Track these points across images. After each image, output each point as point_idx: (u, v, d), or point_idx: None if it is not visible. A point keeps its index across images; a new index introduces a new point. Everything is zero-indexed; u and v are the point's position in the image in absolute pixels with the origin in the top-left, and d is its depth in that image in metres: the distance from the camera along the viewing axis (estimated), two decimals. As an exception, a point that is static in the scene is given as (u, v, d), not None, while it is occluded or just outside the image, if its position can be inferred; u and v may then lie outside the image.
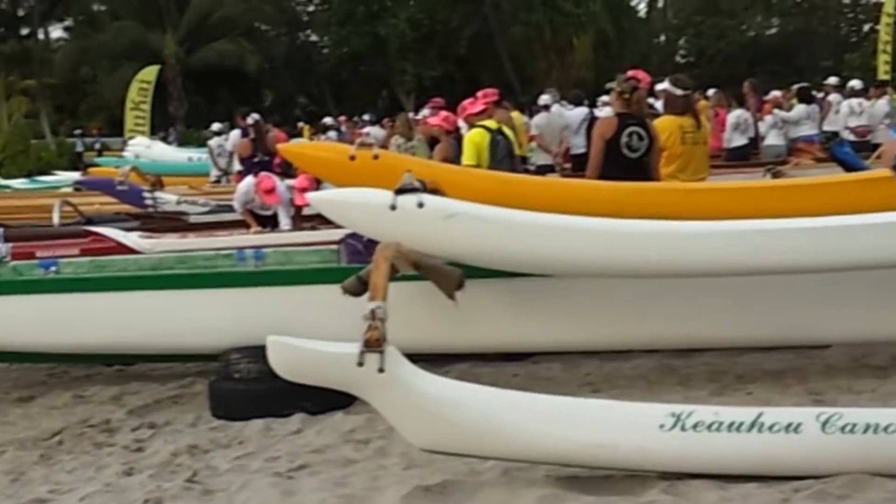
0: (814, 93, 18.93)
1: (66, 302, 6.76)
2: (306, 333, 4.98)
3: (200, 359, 7.09)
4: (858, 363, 6.93)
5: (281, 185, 11.38)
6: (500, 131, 9.51)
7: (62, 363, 7.75)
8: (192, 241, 9.72)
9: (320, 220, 9.41)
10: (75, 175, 21.68)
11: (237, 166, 16.17)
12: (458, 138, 10.72)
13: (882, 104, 18.31)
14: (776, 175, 9.60)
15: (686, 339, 6.73)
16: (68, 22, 59.94)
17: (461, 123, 11.06)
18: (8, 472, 5.67)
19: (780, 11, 51.78)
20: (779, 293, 6.38)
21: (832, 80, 21.15)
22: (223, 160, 19.57)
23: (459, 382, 5.09)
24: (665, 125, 8.66)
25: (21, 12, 57.56)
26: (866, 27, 48.92)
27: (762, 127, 17.31)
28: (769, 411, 4.71)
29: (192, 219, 12.64)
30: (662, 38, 53.54)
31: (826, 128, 18.27)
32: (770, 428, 4.56)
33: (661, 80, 9.17)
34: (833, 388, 6.34)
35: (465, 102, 10.42)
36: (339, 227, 7.18)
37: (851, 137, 17.12)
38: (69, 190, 17.41)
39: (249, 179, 11.49)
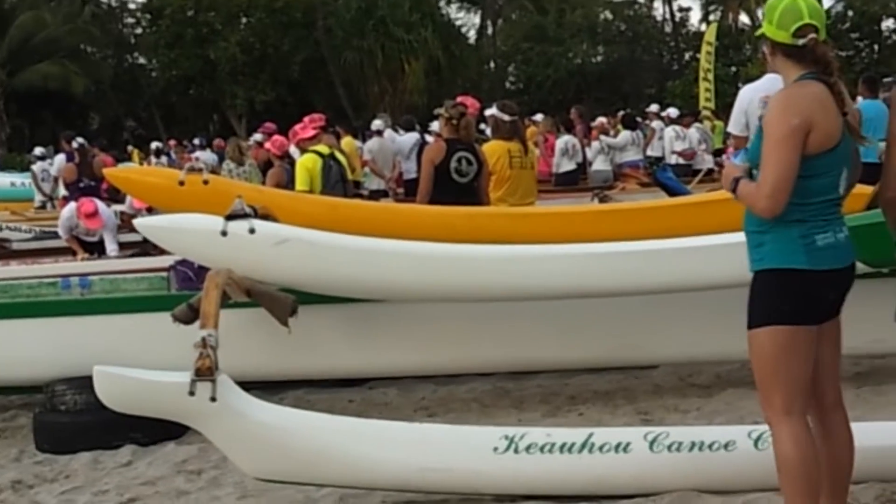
0: (638, 119, 19.46)
1: None
2: (135, 363, 4.89)
3: (24, 391, 6.89)
4: (685, 382, 7.13)
5: (105, 209, 11.13)
6: (332, 156, 9.51)
7: None
8: (15, 269, 9.42)
9: (151, 246, 9.24)
10: None
11: (62, 191, 15.76)
12: (292, 163, 10.67)
13: (693, 132, 18.89)
14: (603, 199, 9.84)
15: (519, 362, 6.82)
16: None
17: (293, 148, 11.01)
18: None
19: (604, 40, 53.04)
20: (608, 315, 6.51)
21: (653, 107, 21.80)
22: (47, 185, 19.05)
23: (293, 410, 5.06)
24: (493, 150, 8.78)
25: None
26: (687, 55, 50.55)
27: (589, 152, 17.72)
28: (599, 432, 4.81)
29: (16, 245, 12.27)
30: (492, 64, 54.29)
31: (650, 153, 18.80)
32: (600, 448, 4.66)
33: (491, 106, 9.29)
34: (661, 407, 6.51)
35: (297, 127, 10.37)
36: (169, 253, 7.06)
37: (679, 161, 17.62)
38: None
39: (72, 205, 11.23)
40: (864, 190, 7.14)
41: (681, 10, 54.94)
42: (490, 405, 6.82)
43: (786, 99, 3.80)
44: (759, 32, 4.00)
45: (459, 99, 9.19)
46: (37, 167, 19.71)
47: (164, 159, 23.12)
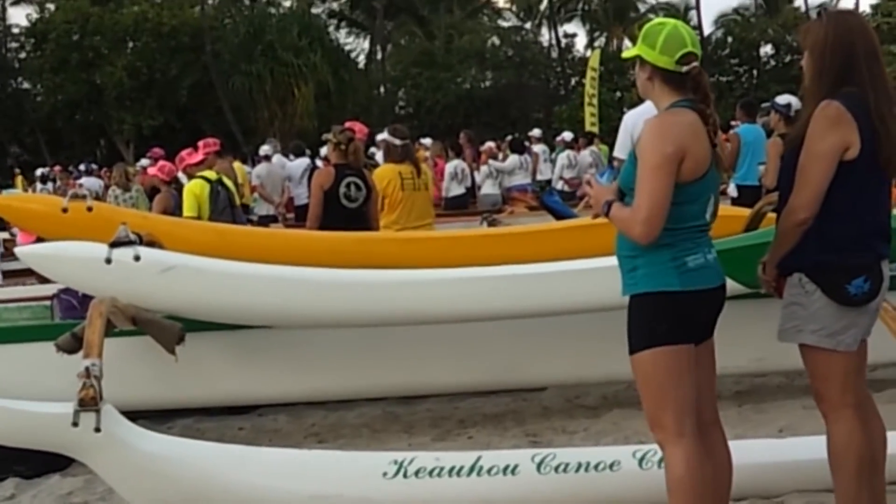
0: (525, 143, 19.68)
1: None
2: (18, 394, 4.81)
3: None
4: (572, 404, 7.23)
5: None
6: (220, 182, 9.46)
7: None
8: None
9: (34, 275, 9.06)
10: None
11: (-58, 219, 15.35)
12: (179, 189, 10.57)
13: (585, 154, 19.24)
14: (492, 223, 9.95)
15: (408, 387, 6.85)
16: None
17: (180, 174, 10.91)
18: None
19: (493, 65, 53.54)
20: (496, 338, 6.58)
21: (536, 131, 22.08)
22: (-74, 213, 18.54)
23: (181, 439, 5.02)
24: (384, 173, 8.83)
25: None
26: (573, 80, 51.27)
27: (478, 176, 17.85)
28: (487, 454, 4.85)
29: None
30: (382, 89, 54.43)
31: (539, 178, 19.02)
32: (489, 471, 4.70)
33: (382, 131, 9.34)
34: (549, 429, 6.59)
35: (184, 153, 10.29)
36: (51, 282, 6.94)
37: (564, 188, 17.87)
38: None
39: (-45, 234, 10.97)
40: (741, 212, 7.37)
41: (566, 35, 55.82)
42: (380, 430, 6.84)
43: (660, 126, 3.86)
44: (631, 54, 4.03)
45: (348, 124, 9.22)
46: (-85, 195, 19.19)
47: (49, 185, 22.68)
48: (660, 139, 3.79)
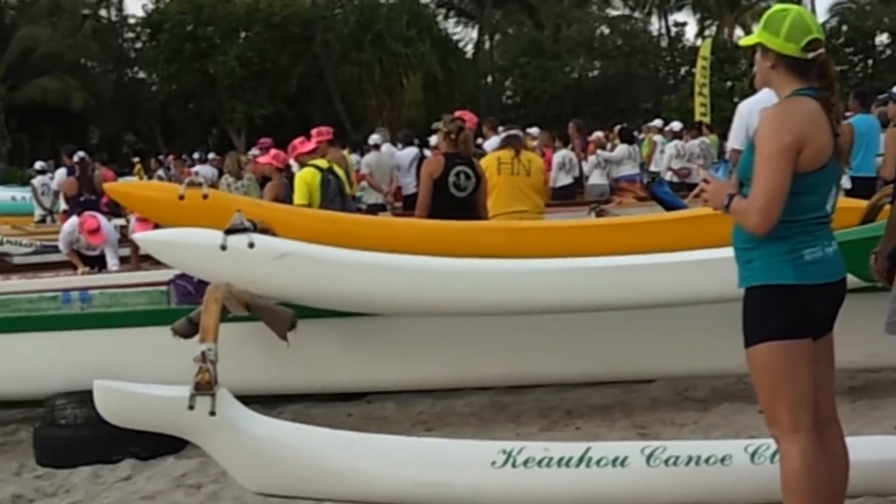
0: (634, 133, 19.51)
1: None
2: (135, 377, 4.91)
3: (24, 405, 6.91)
4: (681, 396, 7.17)
5: (107, 224, 11.16)
6: (330, 170, 9.53)
7: None
8: (16, 283, 9.44)
9: (154, 260, 9.28)
10: None
11: (62, 206, 15.76)
12: (290, 177, 10.70)
13: (694, 144, 19.02)
14: (600, 214, 9.90)
15: (516, 376, 6.85)
16: None
17: (292, 162, 11.04)
18: None
19: (601, 54, 53.23)
20: (605, 329, 6.55)
21: (655, 122, 21.84)
22: (47, 199, 19.06)
23: (292, 424, 5.08)
24: (485, 161, 8.89)
25: None
26: (683, 70, 50.69)
27: (586, 167, 17.75)
28: (596, 446, 4.83)
29: (16, 260, 12.30)
30: (489, 78, 54.40)
31: (653, 168, 18.87)
32: (598, 462, 4.68)
33: (489, 120, 9.40)
34: (657, 421, 6.54)
35: (296, 141, 10.40)
36: (169, 267, 7.09)
37: (673, 178, 17.69)
38: None
39: (74, 219, 11.24)
40: (858, 204, 7.22)
41: (676, 24, 55.22)
42: (488, 419, 6.85)
43: (779, 115, 3.79)
44: (751, 41, 3.96)
45: (457, 113, 9.26)
46: (37, 181, 19.70)
47: (162, 173, 23.14)
48: (778, 128, 3.72)
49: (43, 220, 18.58)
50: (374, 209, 15.46)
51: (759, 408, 4.06)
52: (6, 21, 51.12)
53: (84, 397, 5.73)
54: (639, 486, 4.69)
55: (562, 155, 17.01)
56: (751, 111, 7.49)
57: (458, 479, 4.74)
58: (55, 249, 11.80)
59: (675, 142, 19.13)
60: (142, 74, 55.23)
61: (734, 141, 7.83)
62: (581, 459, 4.69)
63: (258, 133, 32.54)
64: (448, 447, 5.03)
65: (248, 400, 4.90)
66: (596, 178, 17.39)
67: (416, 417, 6.98)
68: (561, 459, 4.70)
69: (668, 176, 18.01)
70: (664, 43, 55.39)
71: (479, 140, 14.38)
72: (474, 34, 56.76)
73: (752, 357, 3.83)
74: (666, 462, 4.68)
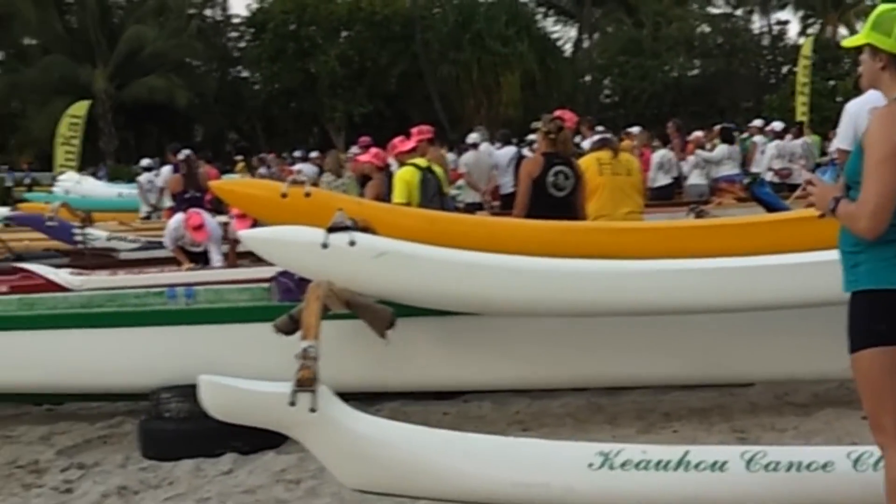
0: (735, 133, 19.27)
1: (-6, 340, 6.69)
2: (237, 372, 4.98)
3: (130, 398, 7.06)
4: (781, 401, 7.08)
5: (211, 221, 11.34)
6: (429, 169, 9.58)
7: (-11, 402, 7.65)
8: (123, 279, 9.66)
9: (254, 257, 9.41)
10: (4, 210, 21.34)
11: (167, 202, 16.05)
12: (389, 175, 10.78)
13: (796, 145, 18.72)
14: (699, 214, 9.81)
15: (614, 378, 6.83)
16: (-1, 56, 59.26)
17: (391, 161, 11.12)
18: (-67, 513, 5.60)
19: (701, 53, 52.58)
20: (703, 332, 6.50)
21: (757, 122, 21.54)
22: (153, 196, 19.39)
23: (390, 422, 5.12)
24: (584, 162, 8.86)
25: (-50, 45, 56.88)
26: (784, 69, 49.89)
27: (685, 166, 17.58)
28: (695, 450, 4.79)
29: (123, 255, 12.54)
30: (588, 77, 54.08)
31: (754, 169, 18.62)
32: (696, 466, 4.64)
33: (588, 119, 9.39)
34: (757, 425, 6.47)
35: (396, 140, 10.48)
36: (271, 264, 7.18)
37: (774, 179, 17.44)
38: (-1, 225, 17.17)
39: (179, 216, 11.44)
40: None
41: (779, 23, 54.32)
42: (584, 420, 6.84)
43: (890, 116, 3.73)
44: (859, 41, 3.89)
45: (557, 113, 9.26)
46: (143, 178, 20.05)
47: (263, 170, 23.42)
48: (889, 130, 3.66)
49: (148, 217, 18.91)
50: (472, 208, 15.49)
51: (863, 413, 4.00)
52: (114, 21, 52.22)
53: (188, 391, 5.84)
54: (737, 491, 4.65)
55: (660, 155, 16.88)
56: (859, 111, 7.33)
57: (555, 480, 4.74)
58: (160, 245, 12.02)
59: (777, 142, 18.85)
60: (245, 73, 56.00)
61: (841, 141, 7.68)
62: (679, 463, 4.66)
63: (357, 131, 32.75)
64: (545, 448, 5.02)
65: (347, 397, 4.95)
66: (695, 179, 17.22)
67: (513, 417, 6.99)
68: (659, 462, 4.68)
69: (768, 176, 17.74)
70: (766, 41, 54.53)
71: (578, 139, 14.32)
72: (573, 33, 56.53)
73: (857, 363, 3.78)
74: (766, 467, 4.63)
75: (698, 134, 19.45)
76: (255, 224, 9.39)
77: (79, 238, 12.93)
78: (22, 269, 9.93)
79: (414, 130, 10.41)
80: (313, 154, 23.20)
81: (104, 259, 12.12)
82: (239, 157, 33.31)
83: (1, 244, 11.90)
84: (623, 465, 4.67)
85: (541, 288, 6.12)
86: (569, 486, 4.71)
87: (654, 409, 7.01)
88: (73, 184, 25.58)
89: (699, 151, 17.62)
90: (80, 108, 37.54)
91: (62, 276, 9.61)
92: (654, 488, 4.67)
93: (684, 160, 17.70)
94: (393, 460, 4.78)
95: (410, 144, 10.07)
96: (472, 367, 6.62)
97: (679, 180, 17.35)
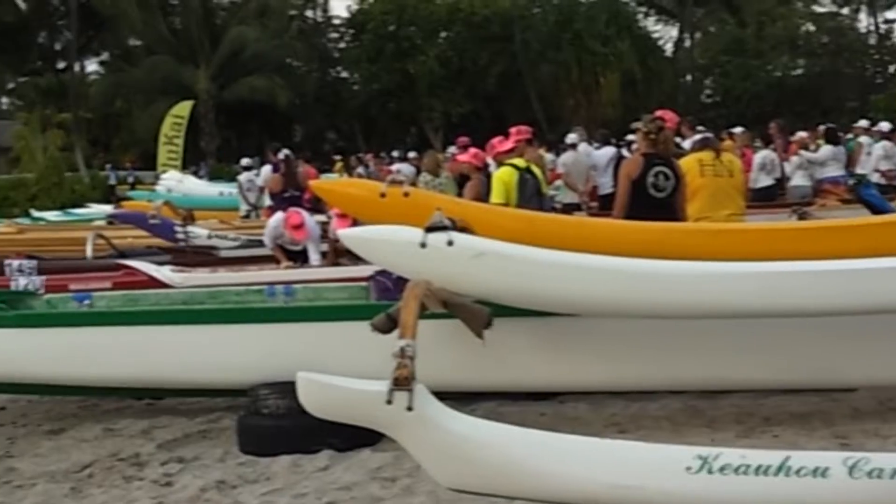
0: (840, 134, 18.90)
1: (98, 335, 6.84)
2: (335, 370, 5.01)
3: (229, 394, 7.15)
4: (885, 406, 6.93)
5: (310, 220, 11.44)
6: (528, 170, 9.56)
7: (93, 396, 7.81)
8: (223, 276, 9.80)
9: (352, 256, 9.48)
10: (108, 208, 21.81)
11: (267, 201, 16.25)
12: (488, 176, 10.78)
13: (902, 146, 18.32)
14: (802, 216, 9.65)
15: (713, 381, 6.74)
16: (104, 56, 60.74)
17: (490, 161, 11.12)
18: (39, 504, 5.73)
19: (806, 52, 51.79)
20: (806, 336, 6.39)
21: (862, 122, 21.12)
22: (252, 195, 19.66)
23: (487, 422, 5.11)
24: (685, 163, 8.77)
25: (58, 46, 58.38)
26: (892, 68, 48.89)
27: (788, 167, 17.30)
28: (796, 455, 4.70)
29: (223, 253, 12.69)
30: (689, 77, 53.55)
31: (858, 170, 18.23)
32: (797, 472, 4.56)
33: (689, 119, 9.29)
34: (860, 431, 6.34)
35: (495, 140, 10.47)
36: (369, 263, 7.23)
37: (881, 181, 17.07)
38: (102, 223, 17.51)
39: (279, 215, 11.55)
40: None
41: (886, 21, 53.19)
42: (682, 424, 6.77)
43: None
44: None
45: (658, 113, 9.18)
46: (243, 177, 20.33)
47: (360, 170, 23.60)
48: None
49: (248, 216, 19.16)
50: (570, 209, 15.42)
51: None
52: (217, 22, 53.13)
53: (286, 388, 5.93)
54: (839, 498, 4.55)
55: (763, 155, 16.64)
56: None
57: (652, 483, 4.69)
58: (260, 244, 12.14)
59: (884, 142, 18.44)
60: (344, 74, 56.58)
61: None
62: (780, 468, 4.58)
63: (455, 131, 32.88)
64: (642, 450, 4.97)
65: (443, 396, 4.95)
66: (798, 180, 16.93)
67: (609, 419, 6.94)
68: (758, 467, 4.60)
69: (874, 178, 17.37)
70: (872, 40, 53.46)
71: (678, 139, 14.17)
72: (674, 32, 56.09)
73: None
74: (869, 474, 4.53)
75: (802, 134, 19.11)
76: (354, 223, 9.45)
77: (180, 236, 13.12)
78: (125, 266, 10.14)
79: (512, 131, 10.38)
80: (411, 154, 23.31)
81: (205, 257, 12.29)
82: (337, 157, 33.65)
83: (104, 241, 12.13)
84: (721, 469, 4.61)
85: (639, 289, 6.05)
86: (665, 490, 4.66)
87: (754, 413, 6.91)
88: (175, 182, 26.09)
89: (803, 152, 17.32)
90: (183, 108, 38.29)
91: (164, 273, 9.79)
92: (753, 494, 4.59)
93: (787, 161, 17.41)
94: (489, 460, 4.77)
95: (509, 145, 10.05)
96: (569, 368, 6.58)
97: (781, 181, 17.08)
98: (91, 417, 7.58)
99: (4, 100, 66.21)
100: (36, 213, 22.95)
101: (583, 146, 17.64)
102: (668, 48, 54.73)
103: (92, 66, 62.27)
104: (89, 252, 11.38)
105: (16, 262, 10.56)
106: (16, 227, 17.41)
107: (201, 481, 5.92)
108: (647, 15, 55.30)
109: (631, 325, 6.46)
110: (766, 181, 16.42)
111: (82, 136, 49.51)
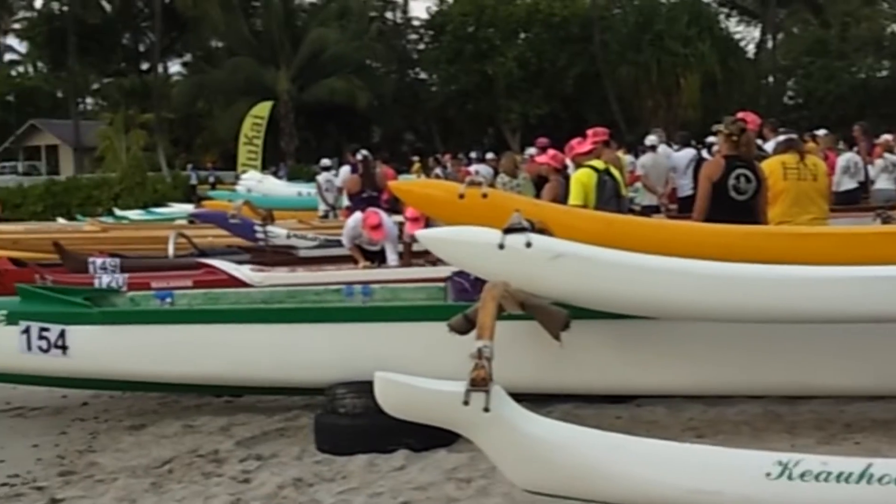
0: (929, 137, 18.53)
1: (179, 333, 6.94)
2: (411, 370, 5.02)
3: (307, 392, 7.20)
4: (971, 415, 6.79)
5: (388, 220, 11.48)
6: (607, 171, 9.50)
7: (173, 393, 7.92)
8: (301, 276, 9.88)
9: (429, 256, 9.50)
10: (189, 207, 22.09)
11: (345, 201, 16.35)
12: (566, 177, 10.73)
13: None
14: (886, 220, 9.46)
15: (793, 386, 6.65)
16: (186, 57, 61.68)
17: (568, 162, 11.07)
18: (120, 499, 5.80)
19: (891, 53, 50.90)
20: (889, 341, 6.28)
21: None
22: (331, 195, 19.78)
23: (564, 424, 5.09)
24: (768, 165, 8.66)
25: (142, 47, 59.39)
26: (981, 70, 47.92)
27: (872, 171, 17.00)
28: (879, 462, 4.63)
29: (302, 253, 12.80)
30: (771, 79, 52.90)
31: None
32: (880, 480, 4.48)
33: (771, 121, 9.18)
34: (946, 440, 6.23)
35: (574, 142, 10.42)
36: (446, 264, 7.23)
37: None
38: (183, 222, 17.76)
39: (357, 215, 11.61)
40: None
41: (976, 22, 52.09)
42: (761, 429, 6.68)
43: None
44: None
45: (740, 114, 9.08)
46: (321, 178, 20.48)
47: (439, 171, 23.63)
48: None
49: (326, 216, 19.28)
50: (649, 211, 15.30)
51: None
52: (298, 24, 53.64)
53: (362, 387, 5.96)
54: (923, 507, 4.48)
55: (846, 158, 16.37)
56: None
57: (730, 488, 4.63)
58: (338, 244, 12.21)
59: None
60: (423, 75, 56.77)
61: None
62: (861, 476, 4.51)
63: (533, 133, 32.81)
64: (720, 455, 4.92)
65: (519, 398, 4.94)
66: (882, 183, 16.63)
67: (687, 423, 6.88)
68: (840, 475, 4.53)
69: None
70: (962, 41, 52.45)
71: (760, 142, 14.00)
72: (756, 33, 55.45)
73: None
74: (954, 483, 4.44)
75: (887, 137, 18.75)
76: (427, 226, 9.48)
77: (260, 235, 13.25)
78: (205, 265, 10.27)
79: (589, 132, 10.33)
80: (489, 155, 23.30)
81: (284, 256, 12.41)
82: (415, 158, 33.74)
83: (186, 240, 12.30)
84: (802, 475, 4.54)
85: (719, 292, 5.99)
86: (744, 496, 4.60)
87: (835, 419, 6.80)
88: (255, 182, 26.35)
89: (888, 155, 17.00)
90: (263, 108, 38.69)
91: (244, 272, 9.90)
92: (833, 501, 4.53)
93: (871, 164, 17.12)
94: (565, 462, 4.75)
95: (588, 146, 10.00)
96: (647, 371, 6.54)
97: (865, 185, 16.80)
98: (171, 414, 7.68)
99: (89, 100, 67.50)
100: (119, 212, 23.37)
101: (662, 148, 17.49)
102: (751, 49, 54.14)
103: (175, 67, 63.37)
104: (171, 251, 11.55)
105: (99, 261, 10.75)
106: (99, 225, 17.73)
107: (279, 479, 5.97)
108: (728, 16, 54.77)
109: (710, 329, 6.39)
110: (849, 184, 16.15)
111: (164, 136, 50.28)
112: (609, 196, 9.34)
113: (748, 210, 8.24)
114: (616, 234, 7.36)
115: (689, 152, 16.97)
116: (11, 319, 7.07)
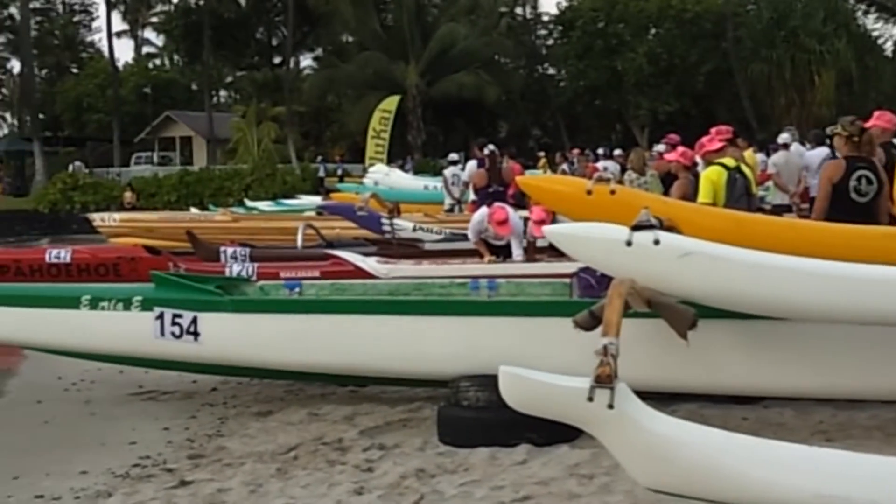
0: None
1: (307, 322, 7.06)
2: (535, 365, 5.02)
3: (430, 384, 7.25)
4: None
5: (514, 216, 11.47)
6: (738, 169, 9.35)
7: (299, 381, 8.05)
8: (427, 268, 9.94)
9: (552, 252, 9.47)
10: (318, 199, 22.36)
11: (471, 196, 16.37)
12: (695, 175, 10.59)
13: None
14: None
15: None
16: (318, 52, 62.56)
17: (698, 160, 10.92)
18: (247, 483, 5.94)
19: None
20: None
21: None
22: (457, 189, 19.81)
23: (689, 423, 5.03)
24: None
25: (275, 42, 60.43)
26: None
27: None
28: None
29: (427, 246, 12.85)
30: (910, 77, 51.45)
31: None
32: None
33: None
34: None
35: (704, 139, 10.28)
36: (571, 260, 7.21)
37: None
38: (312, 214, 17.99)
39: (484, 210, 11.61)
40: None
41: None
42: (893, 434, 6.51)
43: None
44: None
45: (876, 114, 8.89)
46: (448, 172, 20.54)
47: (566, 167, 23.53)
48: None
49: (451, 210, 19.34)
50: (780, 210, 15.02)
51: None
52: (429, 19, 53.96)
53: (486, 381, 5.99)
54: None
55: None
56: None
57: (859, 494, 4.53)
58: (463, 237, 12.23)
59: None
60: (551, 71, 56.65)
61: None
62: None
63: (661, 130, 32.48)
64: (850, 459, 4.81)
65: (644, 396, 4.90)
66: None
67: (816, 426, 6.75)
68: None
69: None
70: None
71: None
72: (895, 31, 53.95)
73: None
74: None
75: None
76: (553, 222, 9.43)
77: (387, 228, 13.34)
78: (333, 256, 10.39)
79: (713, 130, 10.18)
80: (617, 152, 23.11)
81: (410, 249, 12.46)
82: (541, 154, 33.65)
83: (314, 232, 12.46)
84: (936, 484, 4.43)
85: (851, 294, 5.84)
86: (875, 502, 4.50)
87: (972, 427, 6.61)
88: (383, 176, 26.54)
89: None
90: (391, 102, 39.02)
91: (370, 263, 9.98)
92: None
93: None
94: (690, 462, 4.70)
95: (718, 144, 9.85)
96: (775, 372, 6.42)
97: None
98: (297, 402, 7.81)
99: (223, 93, 68.94)
100: (249, 203, 23.82)
101: (795, 146, 17.14)
102: (888, 47, 52.71)
103: (306, 61, 64.29)
104: (300, 242, 11.72)
105: (230, 250, 10.97)
106: (231, 215, 18.08)
107: (401, 469, 6.03)
108: (866, 13, 53.38)
109: (842, 331, 6.24)
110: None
111: (295, 129, 51.00)
112: (739, 194, 9.18)
113: (869, 212, 8.05)
114: (745, 233, 7.25)
115: (822, 151, 16.57)
116: (146, 305, 7.28)
